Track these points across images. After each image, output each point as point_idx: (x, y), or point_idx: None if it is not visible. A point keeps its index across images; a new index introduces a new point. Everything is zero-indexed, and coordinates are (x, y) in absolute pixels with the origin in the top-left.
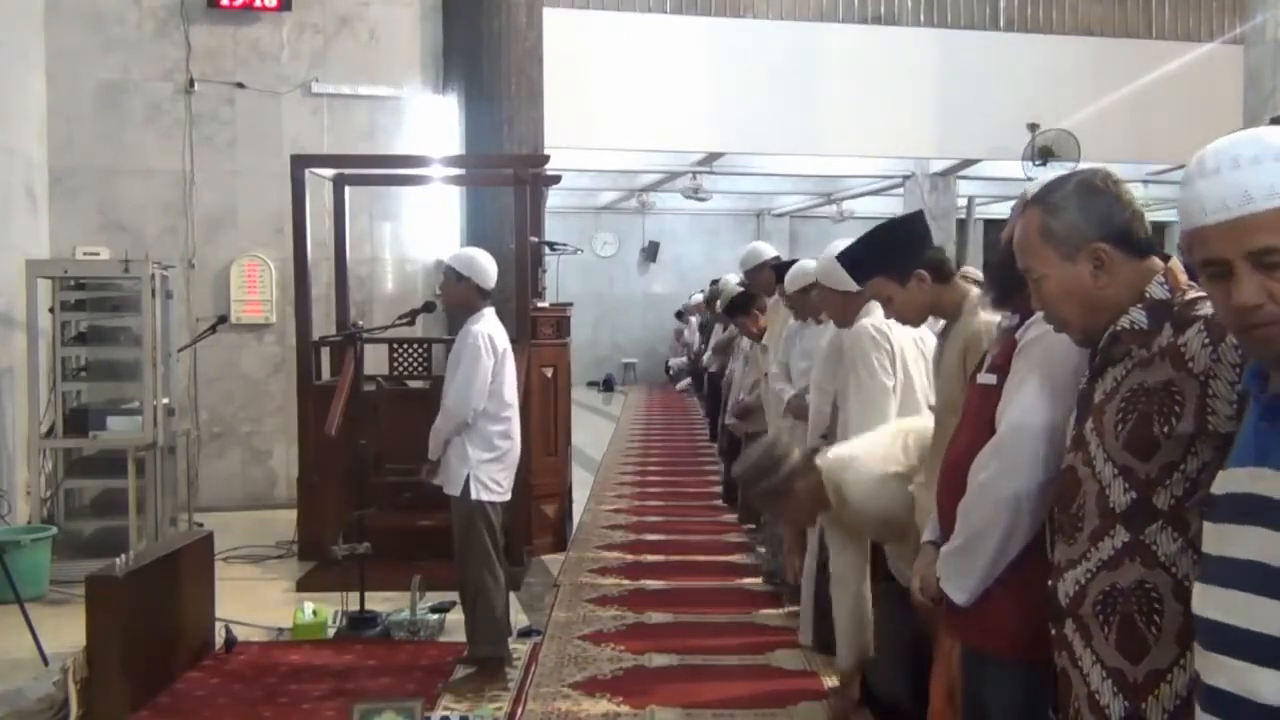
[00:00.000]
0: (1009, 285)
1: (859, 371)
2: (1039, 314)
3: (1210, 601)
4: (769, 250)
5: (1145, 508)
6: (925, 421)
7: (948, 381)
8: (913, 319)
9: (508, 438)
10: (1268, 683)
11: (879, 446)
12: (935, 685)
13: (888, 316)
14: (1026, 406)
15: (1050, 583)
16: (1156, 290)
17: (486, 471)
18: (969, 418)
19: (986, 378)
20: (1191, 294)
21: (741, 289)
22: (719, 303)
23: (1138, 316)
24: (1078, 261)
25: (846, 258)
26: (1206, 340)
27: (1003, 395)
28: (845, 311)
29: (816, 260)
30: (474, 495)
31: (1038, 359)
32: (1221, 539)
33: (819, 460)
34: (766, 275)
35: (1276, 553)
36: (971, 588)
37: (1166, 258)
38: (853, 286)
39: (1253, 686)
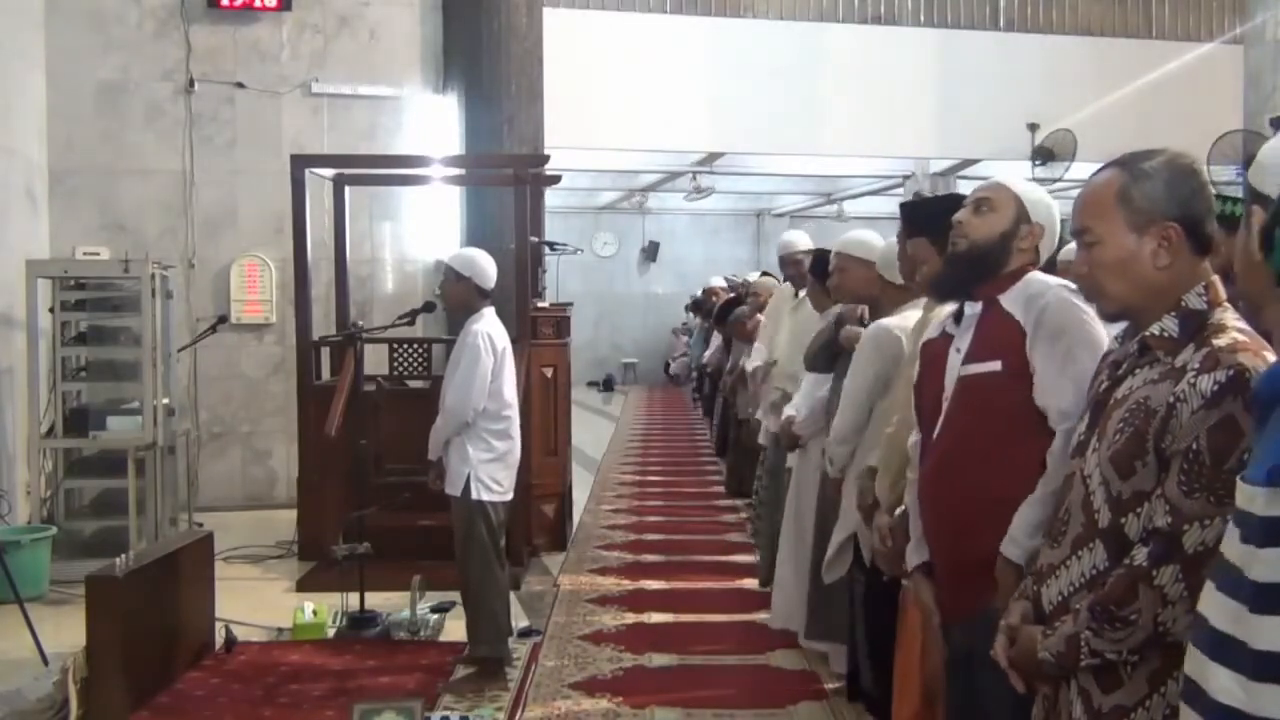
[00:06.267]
0: (965, 281)
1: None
2: (1011, 289)
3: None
4: (805, 241)
5: (1118, 536)
6: None
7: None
8: None
9: (508, 437)
10: (1215, 678)
11: None
12: (906, 684)
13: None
14: (1080, 393)
15: (1034, 587)
16: (1194, 300)
17: (487, 471)
18: (955, 416)
19: (981, 366)
20: (1222, 314)
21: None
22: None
23: (1169, 324)
24: (1144, 235)
25: (908, 205)
26: (1196, 366)
27: (1039, 383)
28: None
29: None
30: (474, 495)
31: (1076, 338)
32: (1227, 538)
33: None
34: (800, 266)
35: (1235, 551)
36: None
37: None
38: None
39: (1206, 679)
